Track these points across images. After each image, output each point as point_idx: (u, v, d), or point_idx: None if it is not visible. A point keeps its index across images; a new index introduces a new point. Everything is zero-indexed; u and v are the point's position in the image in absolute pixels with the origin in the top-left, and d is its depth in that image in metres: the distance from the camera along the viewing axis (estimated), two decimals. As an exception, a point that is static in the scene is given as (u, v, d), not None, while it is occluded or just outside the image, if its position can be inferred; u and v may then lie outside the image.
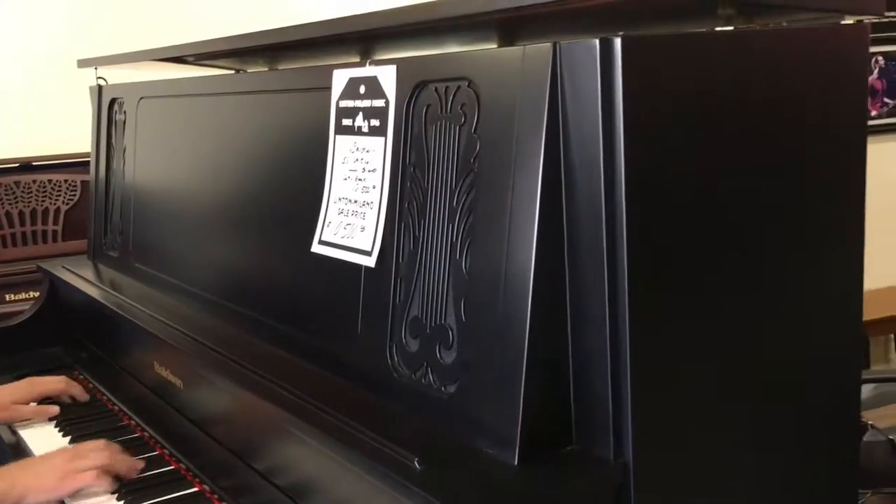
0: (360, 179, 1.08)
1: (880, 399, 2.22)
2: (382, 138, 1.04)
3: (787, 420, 0.99)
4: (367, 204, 1.06)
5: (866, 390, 2.33)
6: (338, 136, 1.12)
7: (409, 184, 1.02)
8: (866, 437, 1.72)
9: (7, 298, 2.48)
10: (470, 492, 0.81)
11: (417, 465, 0.86)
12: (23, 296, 2.46)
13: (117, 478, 1.30)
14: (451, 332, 0.95)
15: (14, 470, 1.27)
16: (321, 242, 1.14)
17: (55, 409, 1.61)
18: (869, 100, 3.75)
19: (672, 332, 0.87)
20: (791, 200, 0.95)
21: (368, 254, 1.05)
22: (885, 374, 2.66)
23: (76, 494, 1.26)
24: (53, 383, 1.64)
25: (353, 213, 1.09)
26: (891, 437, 1.70)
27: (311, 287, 1.20)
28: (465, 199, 0.94)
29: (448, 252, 0.96)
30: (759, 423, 0.96)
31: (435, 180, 0.98)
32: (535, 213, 0.84)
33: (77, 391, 1.65)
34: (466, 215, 0.94)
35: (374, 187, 1.06)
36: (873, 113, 3.73)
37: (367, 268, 1.06)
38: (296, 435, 1.06)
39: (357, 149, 1.09)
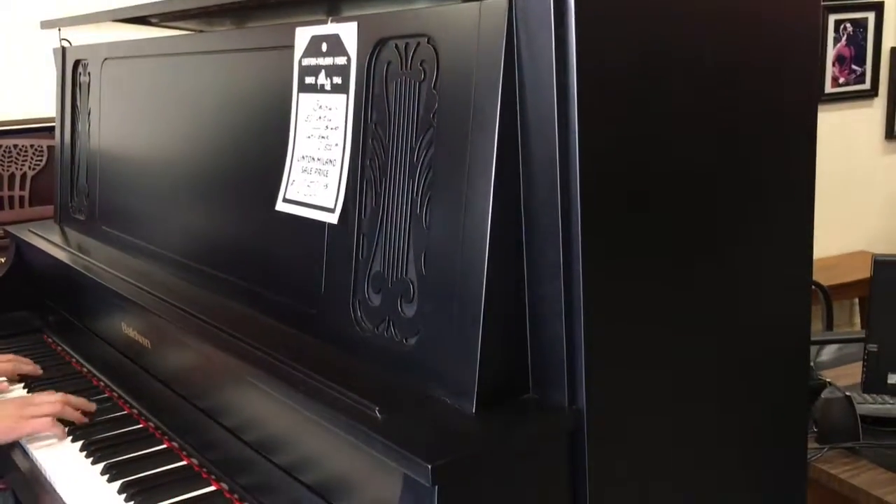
0: (322, 137, 1.09)
1: (841, 360, 2.27)
2: (344, 96, 1.05)
3: (740, 370, 1.02)
4: (330, 161, 1.07)
5: (829, 352, 2.39)
6: (301, 95, 1.13)
7: (370, 141, 1.03)
8: (824, 394, 1.76)
9: (-26, 263, 2.47)
10: (428, 437, 0.83)
11: (378, 414, 0.88)
12: (-10, 261, 2.45)
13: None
14: (411, 286, 0.97)
15: None
16: (285, 200, 1.15)
17: (4, 385, 1.61)
18: (837, 67, 3.79)
19: (625, 280, 0.89)
20: (743, 160, 0.98)
21: (331, 210, 1.06)
22: (846, 334, 2.72)
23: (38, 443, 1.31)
24: (1, 363, 1.62)
25: (316, 171, 1.10)
26: (848, 393, 1.74)
27: (277, 246, 1.21)
28: (425, 155, 0.95)
29: (409, 207, 0.97)
30: (712, 374, 0.99)
31: (396, 137, 0.99)
32: (491, 166, 0.85)
33: (28, 368, 1.63)
34: (426, 171, 0.95)
35: (336, 145, 1.06)
36: (841, 80, 3.77)
37: (330, 225, 1.08)
38: (261, 389, 1.08)
39: (320, 107, 1.09)
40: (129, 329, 1.44)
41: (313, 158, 1.10)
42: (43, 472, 1.28)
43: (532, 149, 0.86)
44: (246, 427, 1.15)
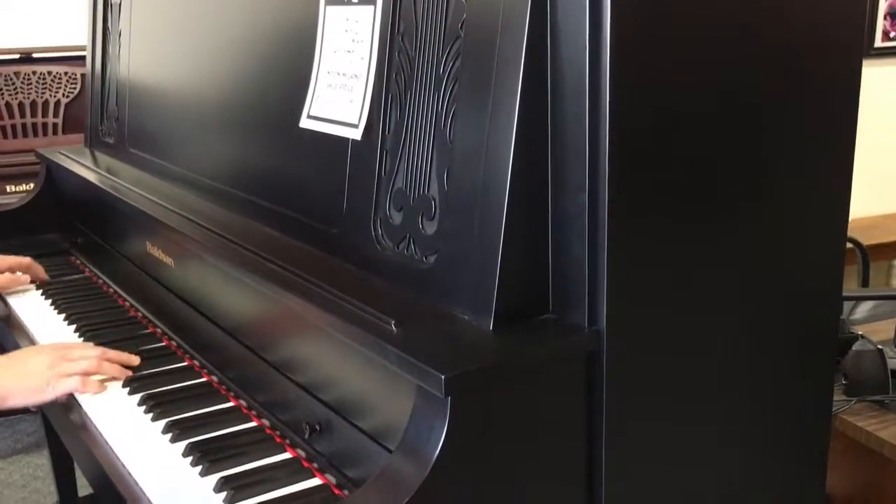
0: (349, 51, 1.06)
1: (876, 317, 2.23)
2: (371, 7, 1.02)
3: (767, 312, 0.99)
4: (355, 76, 1.05)
5: (863, 309, 2.34)
6: (328, 7, 1.10)
7: (396, 54, 1.00)
8: (856, 347, 1.73)
9: (7, 190, 2.50)
10: (443, 349, 0.82)
11: (394, 328, 0.86)
12: (23, 187, 2.48)
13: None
14: (433, 203, 0.95)
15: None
16: (309, 117, 1.13)
17: (25, 279, 1.63)
18: (889, 20, 3.65)
19: (652, 202, 0.86)
20: (782, 100, 0.93)
21: (355, 126, 1.04)
22: (882, 290, 2.66)
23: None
24: (17, 258, 1.65)
25: (341, 86, 1.07)
26: (880, 346, 1.70)
27: (300, 166, 1.19)
28: (452, 67, 0.92)
29: (433, 122, 0.95)
30: (737, 311, 0.97)
31: (422, 49, 0.96)
32: (518, 76, 0.82)
33: (39, 271, 1.66)
34: (452, 83, 0.92)
35: (361, 59, 1.04)
36: (892, 34, 3.64)
37: (353, 142, 1.06)
38: (281, 304, 1.07)
39: (346, 19, 1.06)
40: (153, 248, 1.44)
41: (339, 73, 1.08)
42: (86, 415, 1.24)
43: (561, 59, 0.83)
44: (264, 345, 1.15)
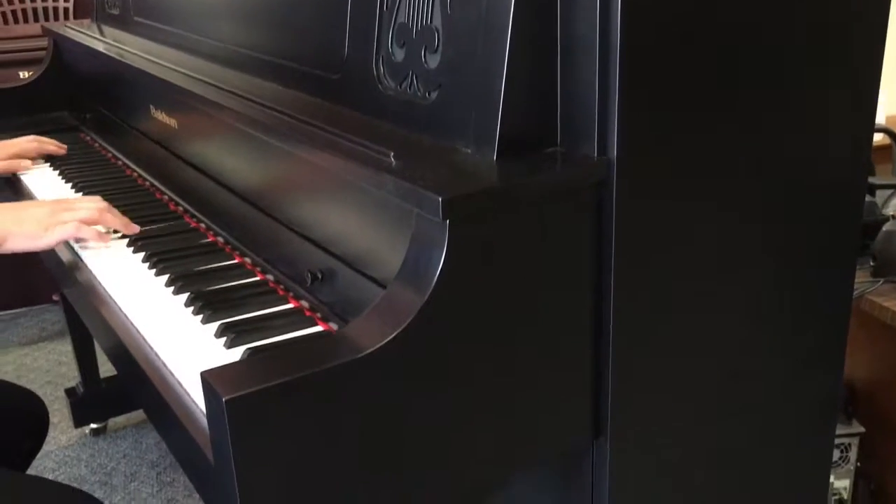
0: None
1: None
2: None
3: (788, 190, 0.96)
4: None
5: (898, 201, 2.27)
6: None
7: None
8: (886, 227, 1.67)
9: (20, 76, 2.46)
10: (442, 175, 0.77)
11: (393, 160, 0.82)
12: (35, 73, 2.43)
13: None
14: (436, 34, 0.89)
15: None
16: (309, -44, 1.06)
17: (27, 164, 1.60)
18: None
19: (670, 24, 0.80)
20: None
21: (355, -41, 0.98)
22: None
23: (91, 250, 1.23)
24: (25, 142, 1.62)
25: (341, -81, 1.01)
26: (911, 226, 1.64)
27: (301, 14, 1.13)
28: None
29: (436, -54, 0.88)
30: (758, 169, 0.92)
31: None
32: None
33: (52, 147, 1.63)
34: None
35: None
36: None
37: (355, -22, 1.00)
38: (283, 153, 1.04)
39: None
40: (157, 112, 1.41)
41: None
42: (94, 275, 1.20)
43: None
44: (268, 200, 1.12)
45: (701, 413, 1.00)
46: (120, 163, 1.61)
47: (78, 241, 1.23)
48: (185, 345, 0.95)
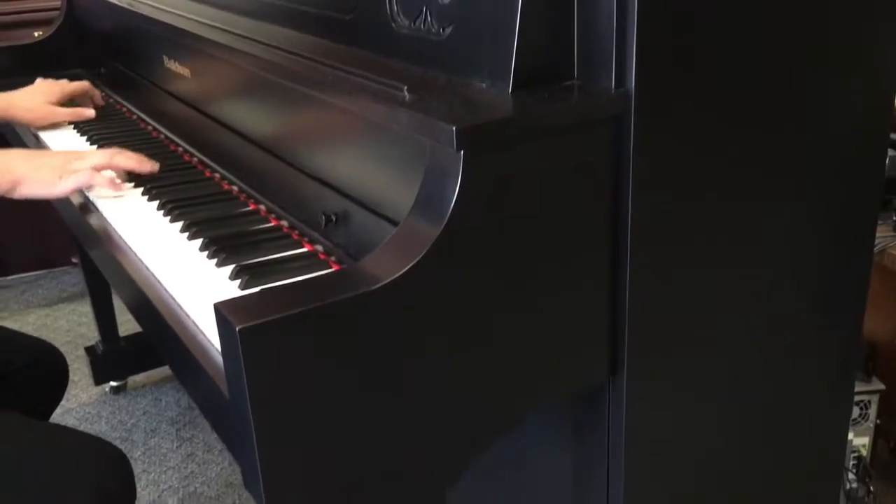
0: None
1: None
2: None
3: (810, 149, 0.94)
4: None
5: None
6: None
7: None
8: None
9: (35, 35, 2.45)
10: (456, 107, 0.76)
11: (407, 94, 0.81)
12: (51, 33, 2.43)
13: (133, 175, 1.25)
14: (451, -33, 0.87)
15: (14, 156, 1.21)
16: None
17: (91, 112, 1.60)
18: None
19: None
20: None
21: None
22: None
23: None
24: (79, 84, 1.62)
25: None
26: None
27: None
28: None
29: None
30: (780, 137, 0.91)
31: None
32: None
33: (97, 95, 1.64)
34: None
35: None
36: None
37: (368, -86, 0.98)
38: (296, 94, 1.03)
39: None
40: (170, 62, 1.40)
41: None
42: (109, 224, 1.20)
43: None
44: (282, 145, 1.11)
45: (718, 363, 0.99)
46: (135, 117, 1.61)
47: (91, 188, 1.23)
48: (200, 287, 0.95)
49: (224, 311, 0.68)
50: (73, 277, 2.89)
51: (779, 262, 0.99)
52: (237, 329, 0.66)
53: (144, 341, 2.26)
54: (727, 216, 0.91)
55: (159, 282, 1.00)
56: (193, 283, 0.96)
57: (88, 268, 2.15)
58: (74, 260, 2.76)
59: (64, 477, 1.09)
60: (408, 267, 0.71)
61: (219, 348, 0.75)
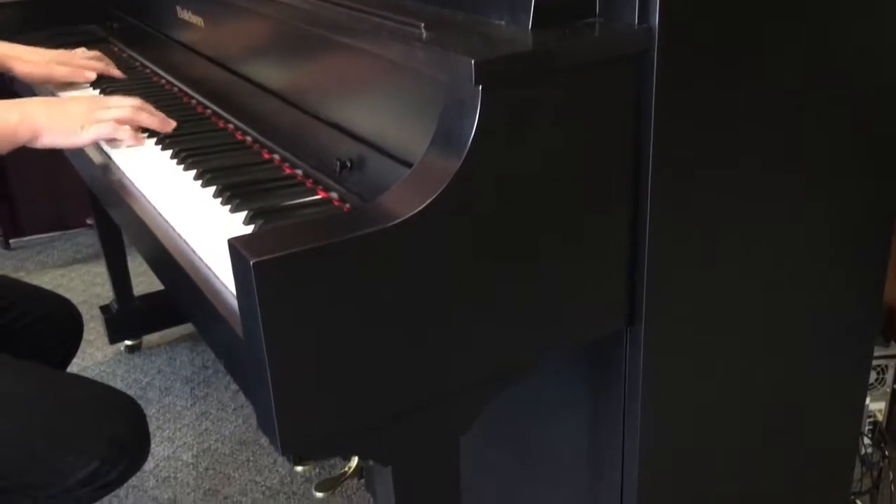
0: None
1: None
2: None
3: (832, 100, 0.92)
4: None
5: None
6: None
7: None
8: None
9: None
10: (475, 41, 0.74)
11: (424, 31, 0.79)
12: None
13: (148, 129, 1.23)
14: None
15: (35, 105, 1.19)
16: None
17: (92, 76, 1.58)
18: None
19: None
20: None
21: None
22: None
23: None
24: (95, 58, 1.58)
25: None
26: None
27: None
28: None
29: None
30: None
31: None
32: None
33: (115, 71, 1.58)
34: None
35: None
36: None
37: None
38: (311, 37, 1.01)
39: None
40: (183, 12, 1.38)
41: None
42: (123, 173, 1.18)
43: None
44: (296, 91, 1.10)
45: (736, 321, 0.97)
46: (148, 70, 1.60)
47: (111, 141, 1.21)
48: (214, 231, 0.94)
49: (238, 246, 0.67)
50: (87, 239, 2.90)
51: (800, 220, 0.97)
52: (251, 262, 0.65)
53: (159, 301, 2.26)
54: (750, 170, 0.89)
55: (173, 228, 0.99)
56: (208, 227, 0.95)
57: (103, 229, 2.15)
58: (89, 221, 2.75)
59: (77, 424, 1.09)
60: (425, 203, 0.70)
61: (233, 291, 0.75)
